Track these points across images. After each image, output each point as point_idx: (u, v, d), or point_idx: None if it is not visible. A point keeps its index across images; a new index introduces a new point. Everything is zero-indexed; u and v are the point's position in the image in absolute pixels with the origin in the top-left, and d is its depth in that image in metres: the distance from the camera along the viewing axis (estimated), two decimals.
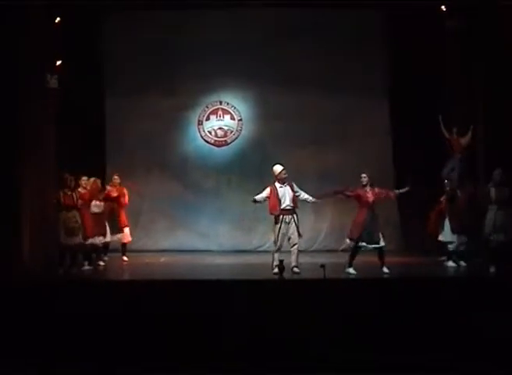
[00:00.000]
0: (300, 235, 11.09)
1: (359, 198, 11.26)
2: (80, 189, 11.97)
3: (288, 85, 15.21)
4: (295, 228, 11.06)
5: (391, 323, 9.19)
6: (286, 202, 11.05)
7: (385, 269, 11.05)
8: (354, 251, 11.24)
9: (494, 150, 12.53)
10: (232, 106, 15.98)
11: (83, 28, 14.51)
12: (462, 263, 11.94)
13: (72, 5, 13.34)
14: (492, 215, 10.95)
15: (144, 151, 15.48)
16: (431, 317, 9.20)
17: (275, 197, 11.06)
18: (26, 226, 12.56)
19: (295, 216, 11.10)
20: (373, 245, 11.15)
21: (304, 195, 11.29)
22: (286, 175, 11.19)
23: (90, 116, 15.16)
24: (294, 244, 11.06)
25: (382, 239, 11.14)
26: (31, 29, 12.46)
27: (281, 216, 11.01)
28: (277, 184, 11.16)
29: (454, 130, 12.90)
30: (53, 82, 13.65)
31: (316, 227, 15.12)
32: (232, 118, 15.99)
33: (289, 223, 11.04)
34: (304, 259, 12.04)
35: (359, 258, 11.39)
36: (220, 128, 15.97)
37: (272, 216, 11.19)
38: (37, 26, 12.71)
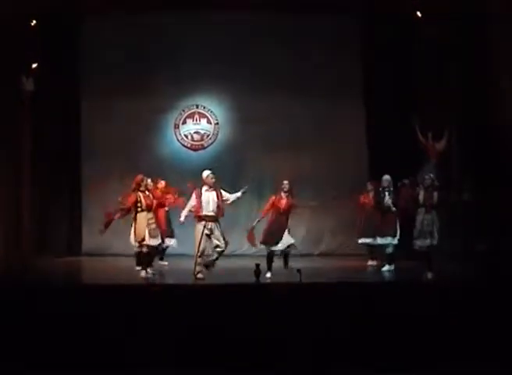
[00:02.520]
0: (226, 242, 11.10)
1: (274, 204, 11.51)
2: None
3: (264, 89, 15.27)
4: (220, 235, 11.03)
5: (365, 327, 9.26)
6: (209, 208, 10.98)
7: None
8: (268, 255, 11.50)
9: (468, 155, 12.65)
10: (209, 110, 15.99)
11: (59, 31, 14.48)
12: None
13: (50, 8, 13.35)
14: (420, 218, 11.02)
15: (119, 155, 15.42)
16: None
17: (198, 201, 11.01)
18: (1, 227, 12.53)
19: (217, 223, 11.07)
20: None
21: (233, 196, 11.32)
22: (213, 179, 11.13)
23: (65, 118, 15.15)
24: (221, 251, 11.04)
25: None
26: (6, 31, 12.45)
27: (203, 222, 10.95)
28: (203, 188, 11.12)
29: (429, 135, 12.98)
30: (29, 84, 13.62)
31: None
32: (209, 122, 16.00)
33: (212, 229, 10.97)
34: (279, 264, 12.09)
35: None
36: (196, 132, 15.97)
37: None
38: (12, 29, 12.69)
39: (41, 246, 14.25)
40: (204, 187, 11.10)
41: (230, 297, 9.58)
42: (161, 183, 12.97)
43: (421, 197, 11.03)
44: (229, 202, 11.28)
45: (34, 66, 13.71)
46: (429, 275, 10.80)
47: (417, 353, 9.05)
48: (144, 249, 11.32)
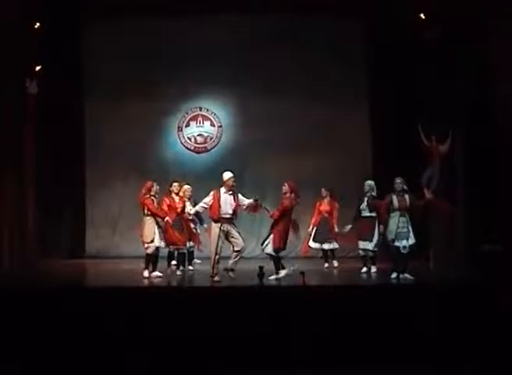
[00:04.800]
0: (243, 241, 11.09)
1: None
2: (173, 195, 12.31)
3: (268, 92, 15.30)
4: (238, 235, 10.99)
5: (366, 330, 9.26)
6: (226, 210, 10.94)
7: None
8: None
9: (473, 157, 12.60)
10: (212, 113, 16.01)
11: (63, 33, 14.50)
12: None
13: (53, 11, 13.38)
14: (395, 222, 11.19)
15: (123, 157, 15.50)
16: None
17: (217, 202, 10.97)
18: (6, 230, 12.54)
19: (233, 224, 11.04)
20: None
21: (248, 201, 11.19)
22: (234, 183, 11.07)
23: (69, 121, 15.20)
24: (238, 251, 10.95)
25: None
26: (10, 34, 12.46)
27: (219, 224, 10.89)
28: (222, 190, 11.08)
29: (433, 137, 12.94)
30: (32, 87, 13.62)
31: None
32: (212, 124, 16.02)
33: (227, 231, 10.93)
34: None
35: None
36: (200, 134, 15.99)
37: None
38: (15, 31, 12.70)
39: (45, 248, 14.25)
40: (223, 189, 11.08)
41: (234, 299, 9.58)
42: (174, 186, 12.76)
43: (394, 201, 11.23)
44: (244, 208, 11.23)
45: (38, 68, 13.72)
46: (407, 275, 11.05)
47: (420, 355, 9.05)
48: (150, 251, 11.53)
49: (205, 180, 15.14)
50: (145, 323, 9.27)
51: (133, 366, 8.86)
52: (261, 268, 10.65)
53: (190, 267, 13.03)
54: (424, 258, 12.86)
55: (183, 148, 15.97)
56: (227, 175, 11.13)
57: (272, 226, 11.22)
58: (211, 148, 15.97)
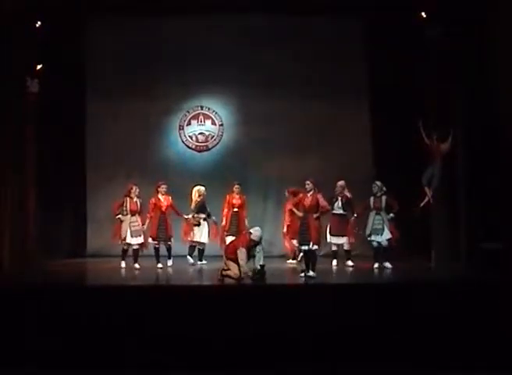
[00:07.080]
0: None
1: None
2: (159, 195, 13.24)
3: (269, 91, 15.28)
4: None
5: (370, 329, 9.28)
6: None
7: (311, 273, 11.03)
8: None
9: (474, 155, 12.60)
10: (214, 111, 16.01)
11: (65, 32, 14.51)
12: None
13: (55, 9, 13.40)
14: (371, 220, 12.68)
15: (124, 155, 15.49)
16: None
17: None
18: (6, 229, 12.55)
19: None
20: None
21: None
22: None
23: (70, 120, 15.18)
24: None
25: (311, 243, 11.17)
26: (10, 33, 12.47)
27: None
28: None
29: (434, 136, 12.95)
30: (34, 86, 13.64)
31: None
32: (214, 123, 16.02)
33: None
34: (286, 265, 12.16)
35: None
36: (201, 133, 16.00)
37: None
38: (16, 30, 12.71)
39: (46, 248, 14.25)
40: None
41: (235, 297, 9.61)
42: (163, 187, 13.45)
43: (370, 202, 12.68)
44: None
45: (39, 67, 13.73)
46: (387, 264, 12.47)
47: (420, 355, 9.05)
48: (125, 247, 12.88)
49: (206, 178, 15.21)
50: (146, 322, 9.29)
51: (134, 365, 8.89)
52: (261, 266, 10.67)
53: (200, 262, 13.64)
54: (425, 258, 12.89)
55: (184, 146, 15.98)
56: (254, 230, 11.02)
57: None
58: (213, 147, 15.98)
